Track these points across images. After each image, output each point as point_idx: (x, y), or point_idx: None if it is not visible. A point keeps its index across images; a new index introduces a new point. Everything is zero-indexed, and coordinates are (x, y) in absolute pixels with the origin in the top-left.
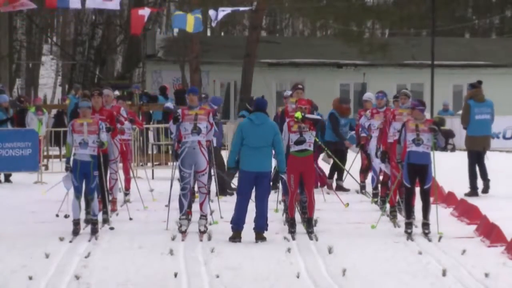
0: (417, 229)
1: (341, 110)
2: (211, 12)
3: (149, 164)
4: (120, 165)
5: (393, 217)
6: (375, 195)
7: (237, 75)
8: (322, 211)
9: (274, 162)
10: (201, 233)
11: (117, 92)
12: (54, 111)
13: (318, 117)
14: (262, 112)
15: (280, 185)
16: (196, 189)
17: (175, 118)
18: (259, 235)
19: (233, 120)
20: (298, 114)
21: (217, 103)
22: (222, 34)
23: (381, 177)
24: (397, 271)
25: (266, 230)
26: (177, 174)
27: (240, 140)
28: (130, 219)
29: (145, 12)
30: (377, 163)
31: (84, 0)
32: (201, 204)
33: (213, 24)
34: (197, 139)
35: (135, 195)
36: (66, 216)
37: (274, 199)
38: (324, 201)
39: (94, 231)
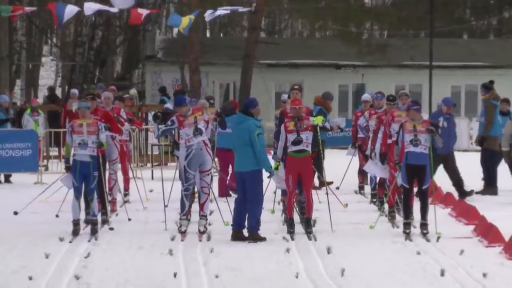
0: (416, 230)
1: (327, 107)
2: (208, 11)
3: (149, 164)
4: (119, 165)
5: (391, 217)
6: (373, 195)
7: (237, 76)
8: (320, 212)
9: (272, 162)
10: (201, 233)
11: (134, 91)
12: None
13: (328, 127)
14: (243, 112)
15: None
16: (196, 189)
17: (155, 116)
18: (250, 235)
19: None
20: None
21: (450, 103)
22: (222, 35)
23: (378, 178)
24: (396, 271)
25: (258, 229)
26: (176, 174)
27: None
28: (129, 219)
29: (143, 11)
30: (369, 167)
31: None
32: (202, 204)
33: (207, 19)
34: (201, 139)
35: (135, 196)
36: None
37: (271, 200)
38: (319, 202)
39: (94, 232)
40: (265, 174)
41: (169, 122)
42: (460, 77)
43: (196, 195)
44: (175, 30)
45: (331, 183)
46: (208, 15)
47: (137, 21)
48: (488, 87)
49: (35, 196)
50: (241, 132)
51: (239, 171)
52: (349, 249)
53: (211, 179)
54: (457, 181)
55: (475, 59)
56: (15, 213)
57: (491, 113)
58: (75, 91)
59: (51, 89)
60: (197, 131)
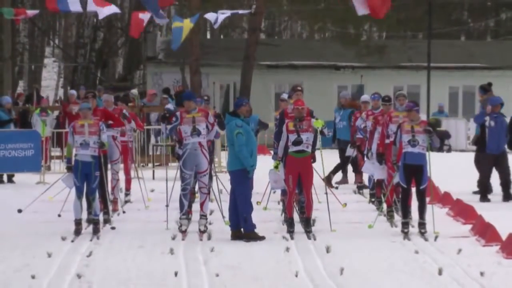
0: (414, 229)
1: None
2: (211, 15)
3: (150, 164)
4: (121, 165)
5: (390, 217)
6: (372, 195)
7: (237, 77)
8: (320, 211)
9: (272, 162)
10: (201, 232)
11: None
12: (56, 112)
13: (326, 133)
14: (231, 113)
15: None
16: (196, 189)
17: (163, 117)
18: (244, 234)
19: None
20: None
21: (496, 102)
22: (222, 36)
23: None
24: (394, 270)
25: (252, 228)
26: (178, 174)
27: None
28: (123, 212)
29: (145, 16)
30: (366, 167)
31: (85, 4)
32: (201, 204)
33: (215, 27)
34: (197, 140)
35: (136, 195)
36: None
37: (271, 199)
38: (319, 202)
39: (95, 231)
40: (266, 173)
41: (174, 118)
42: (457, 78)
43: (197, 194)
44: None
45: (333, 186)
46: (213, 22)
47: (136, 33)
48: (486, 89)
49: (37, 195)
50: (227, 132)
51: (228, 170)
52: (348, 248)
53: (210, 179)
54: (506, 182)
55: (473, 60)
56: (19, 211)
57: None
58: (73, 92)
59: (36, 90)
60: (195, 131)
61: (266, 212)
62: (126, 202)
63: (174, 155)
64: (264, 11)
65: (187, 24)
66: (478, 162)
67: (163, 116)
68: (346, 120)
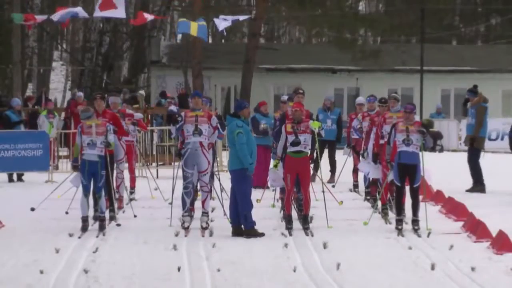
0: (407, 226)
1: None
2: (217, 21)
3: (154, 164)
4: (126, 165)
5: (384, 214)
6: (367, 193)
7: (237, 80)
8: (317, 209)
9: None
10: (203, 229)
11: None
12: (63, 114)
13: (322, 134)
14: (232, 114)
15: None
16: (198, 187)
17: (175, 121)
18: (245, 231)
19: None
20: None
21: None
22: (223, 41)
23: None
24: (388, 265)
25: (252, 225)
26: (180, 173)
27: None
28: (135, 216)
29: (148, 16)
30: (362, 166)
31: (91, 10)
32: (203, 202)
33: (222, 32)
34: (198, 140)
35: (141, 193)
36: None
37: (271, 197)
38: (316, 200)
39: (101, 228)
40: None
41: (179, 119)
42: (449, 81)
43: (199, 193)
44: (179, 36)
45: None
46: (219, 27)
47: (142, 20)
48: (474, 91)
49: (46, 193)
50: (228, 133)
51: (229, 170)
52: (344, 244)
53: (212, 178)
54: None
55: (464, 64)
56: (32, 209)
57: (482, 115)
58: (80, 94)
59: (44, 93)
60: (197, 131)
61: (266, 209)
62: (131, 200)
63: (177, 155)
64: (264, 17)
65: (193, 24)
66: (470, 161)
67: (170, 117)
68: (336, 123)
